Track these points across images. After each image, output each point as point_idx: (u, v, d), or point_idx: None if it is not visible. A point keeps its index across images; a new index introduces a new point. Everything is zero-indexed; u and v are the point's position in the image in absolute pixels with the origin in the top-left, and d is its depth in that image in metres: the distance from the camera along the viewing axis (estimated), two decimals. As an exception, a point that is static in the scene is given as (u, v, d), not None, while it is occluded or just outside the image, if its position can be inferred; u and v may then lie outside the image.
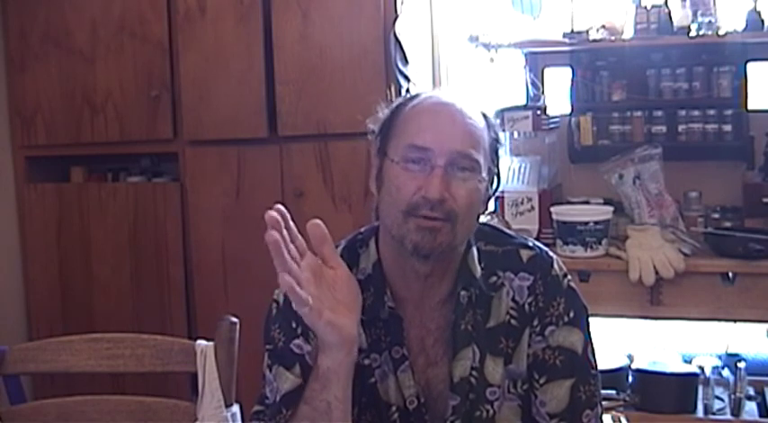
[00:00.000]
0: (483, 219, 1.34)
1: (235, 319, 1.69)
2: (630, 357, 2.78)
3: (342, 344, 1.13)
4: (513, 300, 1.30)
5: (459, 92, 1.41)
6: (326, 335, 1.13)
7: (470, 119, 1.25)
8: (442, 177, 1.19)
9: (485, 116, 1.28)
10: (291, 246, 1.10)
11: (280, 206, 1.09)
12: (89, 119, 2.98)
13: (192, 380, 1.73)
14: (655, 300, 2.51)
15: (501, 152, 1.30)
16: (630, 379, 2.66)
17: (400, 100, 1.30)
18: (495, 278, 1.31)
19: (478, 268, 1.30)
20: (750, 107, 2.75)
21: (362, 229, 1.36)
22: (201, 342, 1.71)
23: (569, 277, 1.34)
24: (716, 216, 2.72)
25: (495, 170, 1.29)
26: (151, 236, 2.97)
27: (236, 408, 1.72)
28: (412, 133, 1.23)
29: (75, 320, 3.02)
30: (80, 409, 1.74)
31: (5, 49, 3.08)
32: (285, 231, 1.09)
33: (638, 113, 2.83)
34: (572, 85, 2.92)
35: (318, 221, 1.14)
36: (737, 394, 2.53)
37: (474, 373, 1.27)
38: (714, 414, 2.54)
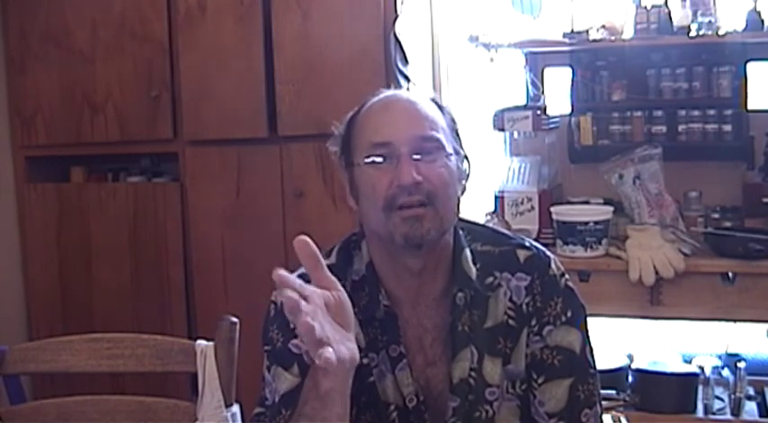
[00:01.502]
0: (482, 219, 1.34)
1: (235, 319, 1.69)
2: (630, 357, 2.78)
3: (343, 369, 1.10)
4: (511, 300, 1.30)
5: (404, 89, 1.44)
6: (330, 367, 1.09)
7: (420, 104, 1.28)
8: (409, 163, 1.22)
9: (435, 102, 1.32)
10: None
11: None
12: (89, 119, 2.99)
13: (192, 380, 1.73)
14: (655, 300, 2.51)
15: (461, 133, 1.32)
16: (630, 379, 2.66)
17: (352, 112, 1.34)
18: (491, 279, 1.31)
19: (473, 269, 1.30)
20: (750, 107, 2.75)
21: (356, 231, 1.37)
22: (201, 342, 1.71)
23: (567, 277, 1.34)
24: (716, 216, 2.72)
25: (462, 151, 1.31)
26: (151, 236, 2.97)
27: (236, 408, 1.73)
28: (370, 133, 1.26)
29: (75, 320, 3.02)
30: (80, 409, 1.74)
31: (5, 49, 3.08)
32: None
33: (638, 113, 2.83)
34: (572, 85, 2.92)
35: (306, 238, 1.10)
36: (737, 394, 2.53)
37: (473, 373, 1.28)
38: (714, 414, 2.54)
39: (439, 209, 1.23)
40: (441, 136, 1.26)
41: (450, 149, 1.27)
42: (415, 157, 1.23)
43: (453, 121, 1.32)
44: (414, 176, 1.21)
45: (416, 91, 1.33)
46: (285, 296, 1.01)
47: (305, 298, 1.04)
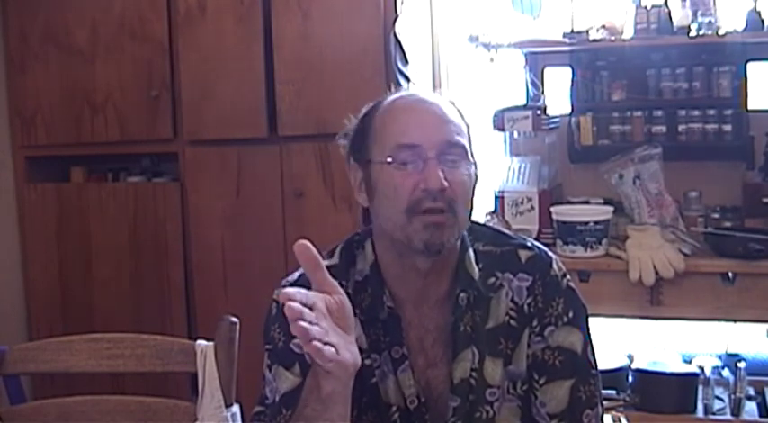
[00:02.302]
0: (482, 219, 1.34)
1: (235, 319, 1.69)
2: (630, 357, 2.78)
3: (345, 372, 1.11)
4: (513, 300, 1.30)
5: (426, 89, 1.43)
6: (333, 369, 1.10)
7: (447, 108, 1.28)
8: (437, 168, 1.21)
9: (453, 105, 1.31)
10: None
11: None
12: (89, 119, 2.99)
13: (192, 380, 1.73)
14: (655, 300, 2.51)
15: (474, 139, 1.32)
16: (630, 379, 2.66)
17: (367, 108, 1.32)
18: (493, 279, 1.31)
19: (476, 270, 1.30)
20: (750, 107, 2.75)
21: (359, 231, 1.36)
22: (201, 342, 1.71)
23: (568, 277, 1.34)
24: (716, 216, 2.72)
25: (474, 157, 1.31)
26: (151, 236, 2.97)
27: (236, 408, 1.73)
28: (396, 134, 1.25)
29: (75, 320, 3.02)
30: (80, 409, 1.74)
31: (5, 49, 3.08)
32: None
33: (638, 113, 2.83)
34: (572, 85, 2.92)
35: (306, 242, 1.10)
36: (737, 394, 2.53)
37: (474, 374, 1.27)
38: (714, 414, 2.54)
39: (458, 216, 1.23)
40: (465, 142, 1.26)
41: (472, 157, 1.27)
42: (443, 161, 1.22)
43: (468, 126, 1.32)
44: (442, 182, 1.20)
45: (436, 93, 1.33)
46: (288, 307, 1.04)
47: (310, 307, 1.06)
